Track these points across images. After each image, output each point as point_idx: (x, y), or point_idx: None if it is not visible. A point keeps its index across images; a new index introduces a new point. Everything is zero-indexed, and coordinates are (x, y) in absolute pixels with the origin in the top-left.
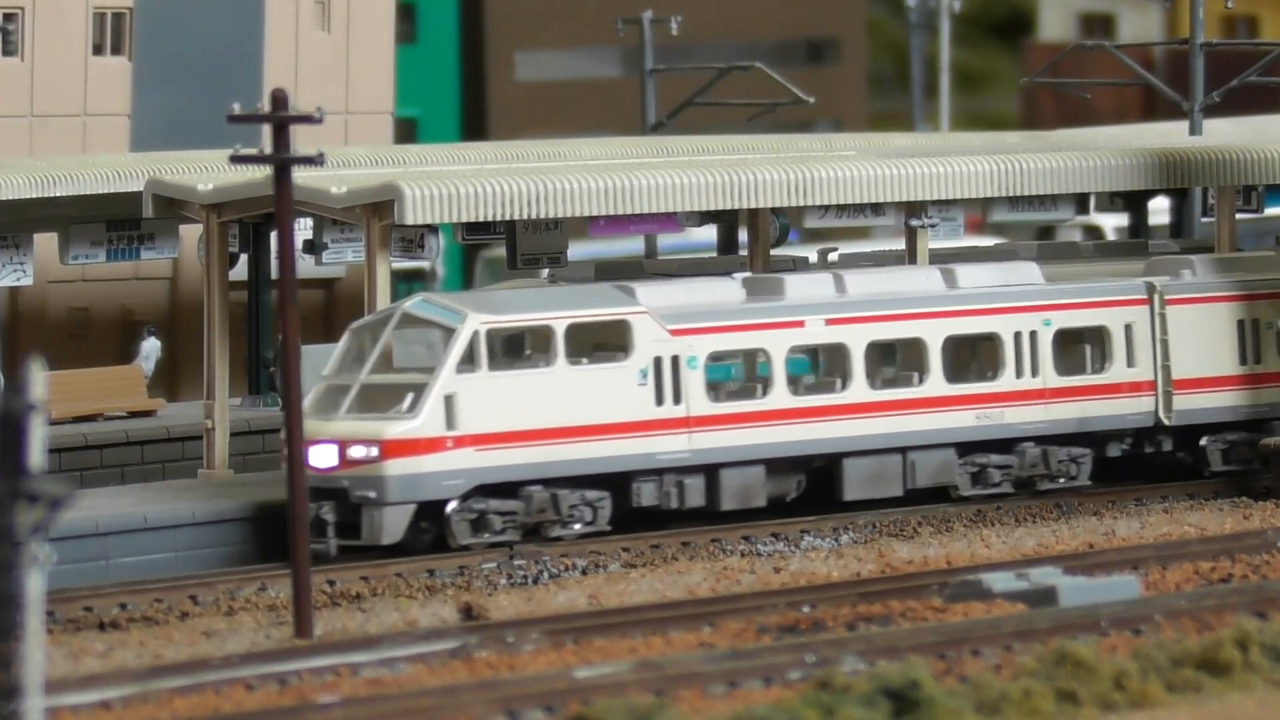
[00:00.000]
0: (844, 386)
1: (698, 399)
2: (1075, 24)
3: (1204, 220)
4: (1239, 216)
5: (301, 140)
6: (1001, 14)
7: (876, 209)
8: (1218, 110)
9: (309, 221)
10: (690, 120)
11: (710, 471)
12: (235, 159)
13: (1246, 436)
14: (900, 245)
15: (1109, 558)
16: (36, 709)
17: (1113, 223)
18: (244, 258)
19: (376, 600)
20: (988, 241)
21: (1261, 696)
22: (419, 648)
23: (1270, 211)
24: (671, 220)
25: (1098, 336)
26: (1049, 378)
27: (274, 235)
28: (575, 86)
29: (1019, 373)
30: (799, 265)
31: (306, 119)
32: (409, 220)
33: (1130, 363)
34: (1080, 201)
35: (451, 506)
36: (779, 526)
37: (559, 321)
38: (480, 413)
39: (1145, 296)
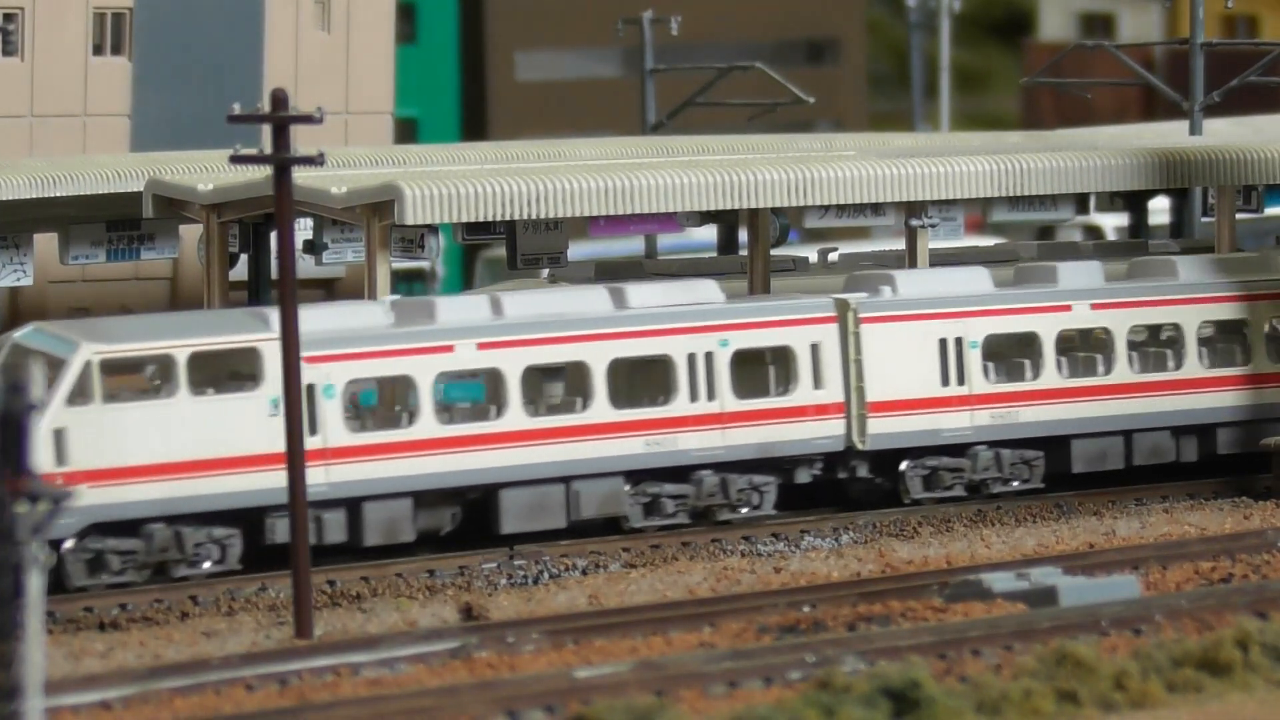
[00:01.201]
0: (499, 414)
1: (335, 429)
2: (1075, 24)
3: (1204, 220)
4: (1239, 216)
5: (301, 140)
6: (1001, 14)
7: (876, 209)
8: (1218, 110)
9: (309, 221)
10: (690, 120)
11: (353, 505)
12: (235, 159)
13: (949, 462)
14: (900, 245)
15: (1109, 558)
16: (37, 709)
17: (1113, 223)
18: (244, 258)
19: (377, 600)
20: (988, 241)
21: (1262, 696)
22: (419, 648)
23: (1270, 211)
24: (671, 220)
25: (781, 357)
26: (727, 401)
27: (274, 235)
28: (575, 86)
29: (694, 396)
30: (799, 265)
31: (306, 119)
32: (409, 220)
33: (818, 384)
34: (1080, 201)
35: (66, 546)
36: (779, 526)
37: (181, 350)
38: (94, 448)
39: (834, 314)
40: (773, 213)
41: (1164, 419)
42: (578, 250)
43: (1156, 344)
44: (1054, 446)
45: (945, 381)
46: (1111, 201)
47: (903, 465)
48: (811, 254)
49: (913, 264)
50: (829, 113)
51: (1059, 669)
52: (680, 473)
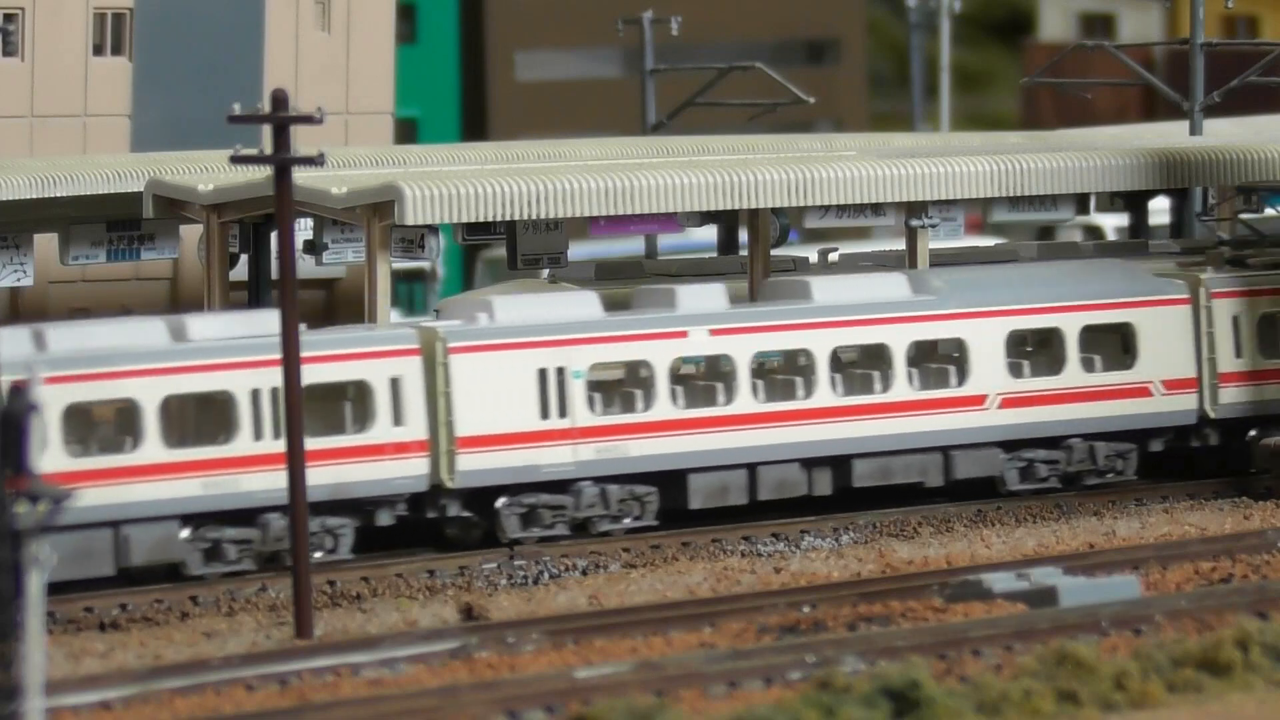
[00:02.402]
0: (39, 454)
1: None
2: (1075, 24)
3: (1204, 220)
4: (1239, 216)
5: (302, 141)
6: (1001, 14)
7: (876, 209)
8: (1218, 110)
9: (309, 222)
10: (690, 120)
11: None
12: (235, 159)
13: (549, 499)
14: (900, 245)
15: (1109, 558)
16: (37, 709)
17: (1113, 223)
18: (244, 258)
19: (377, 600)
20: (988, 241)
21: (1262, 696)
22: (419, 648)
23: (1270, 211)
24: (672, 220)
25: (358, 392)
26: None
27: (274, 235)
28: (575, 86)
29: (258, 434)
30: (799, 265)
31: (307, 119)
32: (409, 220)
33: (398, 421)
34: (1080, 201)
35: None
36: (779, 527)
37: None
38: None
39: (417, 346)
40: (773, 213)
41: (792, 450)
42: (578, 250)
43: (785, 371)
44: (669, 481)
45: (545, 414)
46: (1111, 201)
47: (498, 503)
48: (812, 254)
49: (913, 264)
50: (829, 113)
51: (1059, 669)
52: (246, 515)
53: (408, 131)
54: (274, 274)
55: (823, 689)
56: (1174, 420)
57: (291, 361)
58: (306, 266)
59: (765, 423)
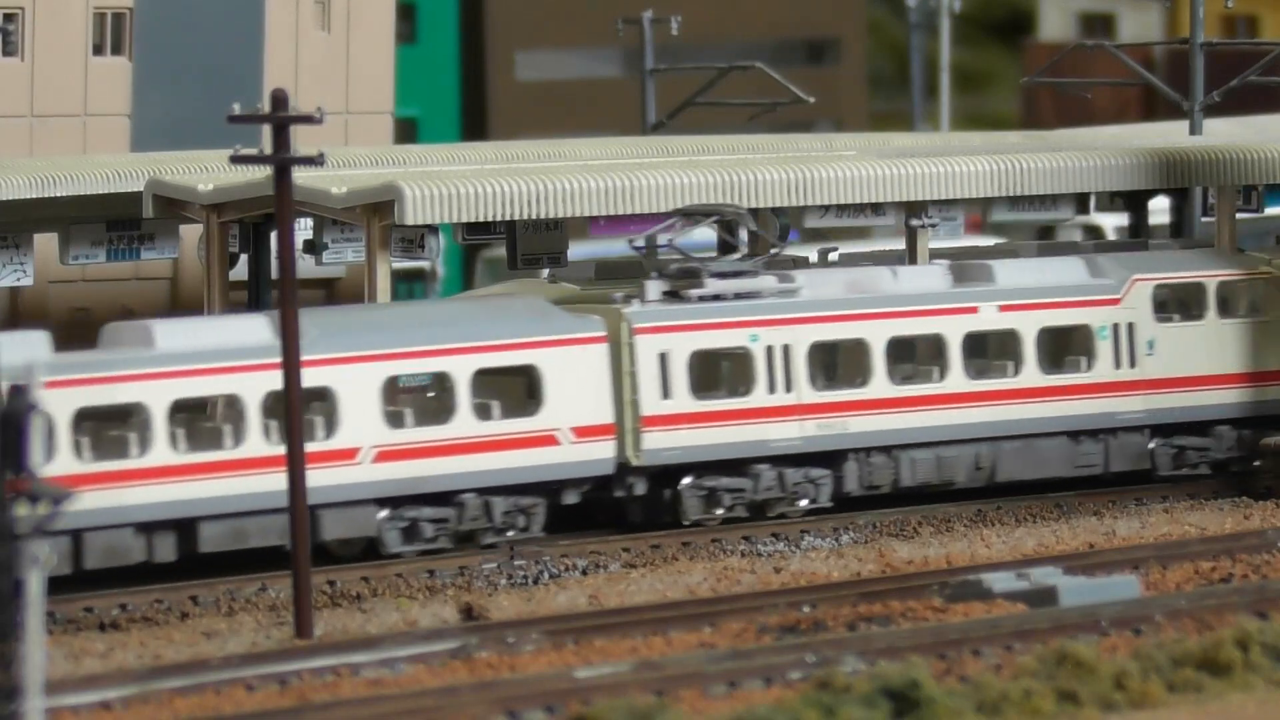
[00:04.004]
0: None
1: None
2: (1075, 24)
3: (1204, 220)
4: (1239, 216)
5: (301, 140)
6: (1001, 14)
7: (876, 209)
8: (1218, 110)
9: (309, 221)
10: (690, 120)
11: None
12: (235, 159)
13: None
14: (900, 245)
15: (1109, 558)
16: (37, 709)
17: (1113, 223)
18: (244, 258)
19: (377, 600)
20: (988, 241)
21: (1262, 696)
22: (419, 648)
23: (1270, 211)
24: None
25: None
26: None
27: (274, 235)
28: (575, 86)
29: None
30: (799, 265)
31: (307, 119)
32: (409, 220)
33: None
34: (1080, 201)
35: None
36: (779, 526)
37: None
38: None
39: None
40: (773, 213)
41: (122, 515)
42: (578, 250)
43: (120, 427)
44: None
45: None
46: (1111, 201)
47: None
48: (812, 254)
49: (913, 263)
50: (829, 113)
51: (1059, 669)
52: None
53: (408, 131)
54: (274, 274)
55: (823, 689)
56: (586, 470)
57: (292, 365)
58: (306, 266)
59: (89, 484)
